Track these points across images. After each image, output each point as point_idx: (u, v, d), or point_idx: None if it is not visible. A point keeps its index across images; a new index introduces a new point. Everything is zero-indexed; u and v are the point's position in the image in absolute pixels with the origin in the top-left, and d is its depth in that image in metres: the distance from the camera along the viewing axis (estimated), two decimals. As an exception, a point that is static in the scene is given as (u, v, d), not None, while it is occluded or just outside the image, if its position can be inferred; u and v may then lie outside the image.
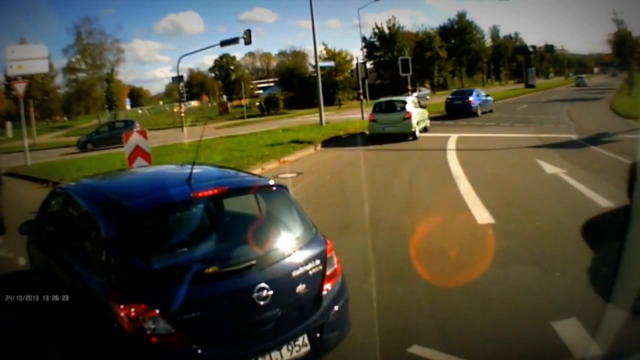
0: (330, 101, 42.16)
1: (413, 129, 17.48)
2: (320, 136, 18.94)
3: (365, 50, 54.56)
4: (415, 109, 18.33)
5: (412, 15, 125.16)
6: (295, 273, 3.38)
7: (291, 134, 20.16)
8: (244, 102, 50.33)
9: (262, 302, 3.15)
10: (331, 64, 43.63)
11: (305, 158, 15.23)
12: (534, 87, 51.16)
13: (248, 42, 29.96)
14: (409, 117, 17.41)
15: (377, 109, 18.57)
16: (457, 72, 65.32)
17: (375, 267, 5.49)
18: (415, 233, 6.93)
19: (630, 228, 5.49)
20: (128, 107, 45.56)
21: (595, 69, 79.91)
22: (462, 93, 27.10)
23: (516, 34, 74.28)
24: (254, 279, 3.19)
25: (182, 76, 39.36)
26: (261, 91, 66.56)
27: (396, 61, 30.76)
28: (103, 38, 49.93)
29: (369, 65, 47.63)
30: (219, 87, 70.69)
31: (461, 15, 63.70)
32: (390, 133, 17.38)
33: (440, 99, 35.42)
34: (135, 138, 9.29)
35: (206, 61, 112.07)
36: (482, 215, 7.47)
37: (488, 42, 69.02)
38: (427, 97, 43.09)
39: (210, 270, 3.15)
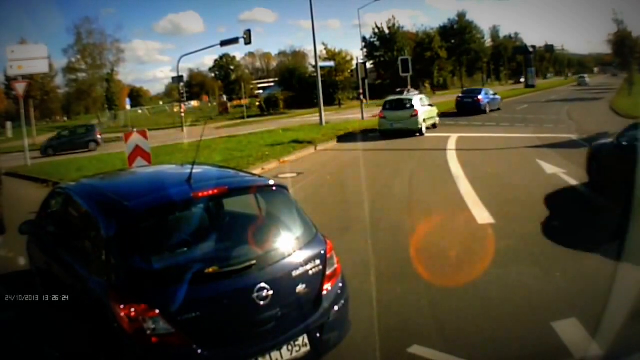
0: (330, 101, 42.21)
1: (419, 126, 18.61)
2: (321, 136, 18.96)
3: (365, 50, 54.63)
4: (423, 107, 19.42)
5: (412, 15, 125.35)
6: (295, 273, 3.38)
7: (291, 134, 20.18)
8: (244, 102, 50.34)
9: (262, 302, 3.15)
10: (331, 64, 43.68)
11: (305, 158, 15.24)
12: (534, 87, 51.16)
13: (248, 42, 30.00)
14: (416, 115, 18.58)
15: (387, 106, 19.72)
16: (457, 72, 65.30)
17: (375, 267, 5.49)
18: (415, 233, 6.93)
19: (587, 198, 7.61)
20: (128, 107, 45.49)
21: (595, 69, 79.78)
22: (471, 92, 28.50)
23: (516, 34, 74.26)
24: (254, 279, 3.19)
25: (182, 76, 39.46)
26: (261, 91, 66.56)
27: (396, 61, 30.83)
28: (103, 38, 50.00)
29: (369, 65, 47.68)
30: (219, 87, 70.68)
31: (461, 15, 63.69)
32: (398, 129, 18.53)
33: (439, 98, 35.42)
34: (135, 138, 9.30)
35: (206, 61, 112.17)
36: (482, 215, 7.47)
37: (488, 42, 69.00)
38: None
39: (210, 270, 3.15)
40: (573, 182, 9.34)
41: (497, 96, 29.00)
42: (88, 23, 52.66)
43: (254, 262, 3.27)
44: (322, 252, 3.61)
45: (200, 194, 3.46)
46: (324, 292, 3.53)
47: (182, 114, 33.94)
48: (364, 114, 27.52)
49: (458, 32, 62.89)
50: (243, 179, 4.21)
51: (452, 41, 61.99)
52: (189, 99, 57.43)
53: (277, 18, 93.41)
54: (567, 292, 4.80)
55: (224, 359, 3.08)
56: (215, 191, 3.50)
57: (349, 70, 49.49)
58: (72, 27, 64.76)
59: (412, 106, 18.89)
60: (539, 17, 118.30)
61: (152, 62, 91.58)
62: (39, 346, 4.14)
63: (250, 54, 77.49)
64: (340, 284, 3.71)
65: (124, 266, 3.12)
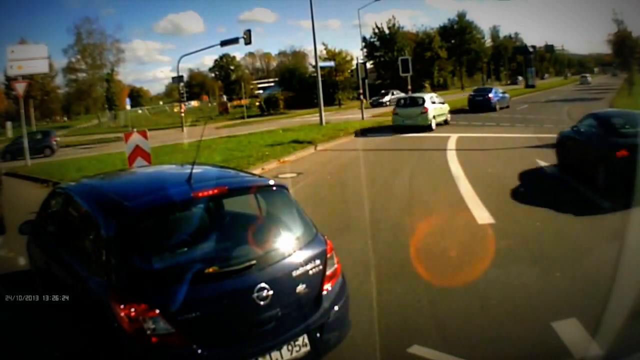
0: (330, 101, 42.23)
1: (429, 122, 20.16)
2: (321, 136, 18.97)
3: (365, 50, 54.63)
4: (433, 104, 20.99)
5: (412, 16, 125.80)
6: (295, 273, 3.38)
7: (291, 134, 20.19)
8: (244, 102, 50.38)
9: (262, 302, 3.15)
10: (331, 64, 43.63)
11: (305, 158, 15.24)
12: (534, 87, 51.15)
13: (248, 42, 29.98)
14: (426, 112, 20.21)
15: (400, 103, 21.65)
16: (457, 72, 65.34)
17: (376, 267, 5.49)
18: (415, 233, 6.93)
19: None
20: (128, 107, 45.48)
21: (595, 69, 79.76)
22: (482, 90, 30.45)
23: (516, 34, 74.45)
24: (254, 279, 3.19)
25: (182, 76, 39.43)
26: (261, 91, 66.58)
27: (396, 61, 30.83)
28: (103, 38, 50.12)
29: (369, 65, 47.64)
30: (219, 87, 70.75)
31: (461, 15, 63.78)
32: (410, 125, 20.09)
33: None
34: (135, 138, 9.30)
35: (206, 61, 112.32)
36: (482, 215, 7.47)
37: (488, 42, 69.10)
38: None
39: (211, 270, 3.15)
40: (574, 181, 9.34)
41: (506, 94, 30.68)
42: (88, 23, 52.87)
43: (254, 262, 3.27)
44: (322, 252, 3.61)
45: (200, 194, 3.46)
46: (324, 292, 3.53)
47: (182, 114, 33.93)
48: (364, 114, 27.54)
49: (458, 32, 62.94)
50: (243, 179, 4.21)
51: (452, 41, 62.05)
52: (189, 99, 57.45)
53: (277, 18, 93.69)
54: (567, 292, 4.80)
55: (224, 359, 3.08)
56: (215, 191, 3.50)
57: (349, 70, 49.44)
58: (72, 27, 65.09)
59: (423, 104, 20.38)
60: (539, 17, 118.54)
61: (152, 62, 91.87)
62: (39, 346, 4.14)
63: (250, 54, 77.67)
64: (340, 284, 3.70)
65: (124, 266, 3.11)
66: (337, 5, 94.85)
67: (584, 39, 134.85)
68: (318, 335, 3.40)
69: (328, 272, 3.59)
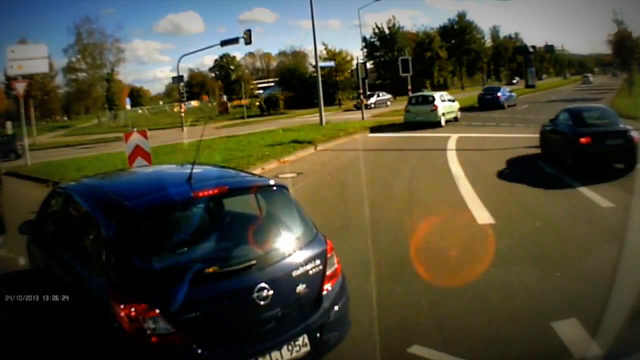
0: (330, 101, 42.24)
1: (438, 119, 21.50)
2: (321, 136, 18.97)
3: (365, 50, 54.65)
4: (442, 102, 22.35)
5: (412, 16, 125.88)
6: (295, 273, 3.38)
7: (291, 134, 20.19)
8: (244, 102, 50.35)
9: (262, 302, 3.15)
10: (331, 64, 43.68)
11: (305, 158, 15.24)
12: (534, 87, 51.15)
13: (248, 42, 29.96)
14: (435, 109, 21.58)
15: (412, 101, 22.83)
16: (457, 72, 65.35)
17: (376, 267, 5.49)
18: (415, 233, 6.93)
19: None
20: (128, 106, 45.48)
21: (595, 69, 79.69)
22: (491, 89, 32.17)
23: (516, 34, 74.43)
24: (254, 279, 3.19)
25: (182, 76, 39.40)
26: (261, 91, 66.59)
27: (396, 61, 30.88)
28: (103, 38, 50.10)
29: (369, 65, 47.65)
30: (219, 87, 70.74)
31: (461, 16, 63.83)
32: (420, 121, 21.32)
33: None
34: (135, 138, 9.30)
35: (206, 61, 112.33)
36: (482, 216, 7.48)
37: (488, 42, 69.11)
38: (388, 102, 42.35)
39: (211, 270, 3.14)
40: (574, 182, 9.34)
41: (513, 93, 32.37)
42: (88, 23, 52.76)
43: (254, 262, 3.26)
44: (322, 252, 3.61)
45: (200, 194, 3.46)
46: (324, 292, 3.53)
47: (182, 114, 33.92)
48: (364, 114, 27.54)
49: (458, 32, 62.97)
50: (243, 179, 4.21)
51: (452, 41, 62.08)
52: (189, 98, 57.44)
53: (277, 18, 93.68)
54: (567, 292, 4.80)
55: (224, 359, 3.08)
56: (216, 191, 3.50)
57: (349, 70, 49.51)
58: (72, 27, 64.97)
59: (433, 102, 21.84)
60: (539, 17, 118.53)
61: (152, 62, 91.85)
62: (39, 346, 4.14)
63: (250, 54, 77.64)
64: (341, 284, 3.70)
65: (124, 266, 3.11)
66: (337, 5, 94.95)
67: (584, 39, 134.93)
68: (318, 335, 3.40)
69: (328, 272, 3.59)
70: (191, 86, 66.86)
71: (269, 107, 46.42)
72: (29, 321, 4.36)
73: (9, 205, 9.18)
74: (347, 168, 13.01)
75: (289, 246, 3.50)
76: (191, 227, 3.54)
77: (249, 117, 42.09)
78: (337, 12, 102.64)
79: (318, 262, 3.53)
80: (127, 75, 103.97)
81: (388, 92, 47.70)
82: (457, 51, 62.21)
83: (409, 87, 28.24)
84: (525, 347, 3.90)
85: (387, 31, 56.73)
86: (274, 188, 3.91)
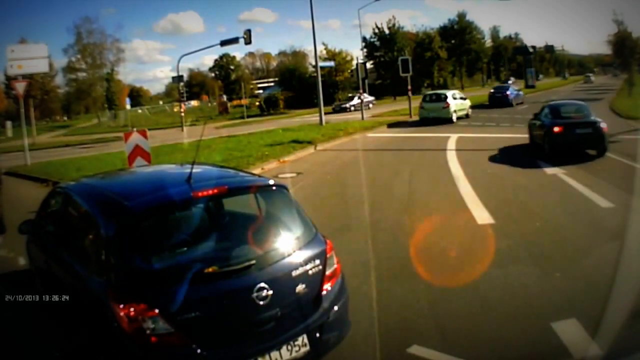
0: (330, 101, 42.05)
1: (450, 116, 23.31)
2: (320, 136, 18.97)
3: (365, 50, 54.56)
4: (454, 100, 24.21)
5: (412, 16, 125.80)
6: (295, 273, 3.38)
7: (291, 134, 20.18)
8: (244, 102, 50.25)
9: (261, 302, 3.15)
10: (331, 64, 43.63)
11: (305, 158, 15.23)
12: (534, 87, 51.13)
13: (248, 42, 29.87)
14: (447, 107, 23.41)
15: (426, 99, 24.84)
16: (457, 72, 65.31)
17: (375, 267, 5.49)
18: (415, 233, 6.93)
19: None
20: (128, 106, 45.38)
21: (595, 70, 79.64)
22: (501, 88, 34.46)
23: (516, 34, 74.50)
24: (254, 278, 3.19)
25: (182, 76, 39.30)
26: (261, 91, 66.57)
27: (396, 61, 30.81)
28: (103, 37, 49.99)
29: (369, 65, 47.61)
30: (219, 86, 70.75)
31: (461, 16, 63.74)
32: (434, 117, 23.15)
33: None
34: (135, 138, 9.30)
35: (206, 61, 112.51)
36: (482, 216, 7.47)
37: (488, 42, 69.05)
38: (370, 105, 40.14)
39: (210, 270, 3.14)
40: (573, 182, 9.35)
41: (521, 92, 34.76)
42: (88, 23, 52.54)
43: (253, 262, 3.26)
44: (322, 252, 3.61)
45: (200, 194, 3.45)
46: (324, 292, 3.53)
47: (182, 114, 33.87)
48: (364, 114, 27.54)
49: (458, 32, 62.92)
50: (243, 179, 4.21)
51: (452, 41, 62.03)
52: (189, 98, 57.42)
53: (277, 18, 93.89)
54: (566, 292, 4.80)
55: (223, 359, 3.08)
56: (215, 191, 3.50)
57: (349, 70, 49.48)
58: (72, 27, 64.76)
59: (445, 99, 23.72)
60: (539, 17, 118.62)
61: (152, 61, 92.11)
62: (39, 346, 4.13)
63: (250, 54, 77.69)
64: (340, 284, 3.70)
65: (124, 266, 3.11)
66: (337, 5, 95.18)
67: (584, 39, 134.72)
68: (317, 335, 3.40)
69: (328, 272, 3.59)
70: (191, 86, 66.89)
71: (269, 107, 46.35)
72: (29, 321, 4.36)
73: (9, 205, 9.17)
74: (347, 168, 13.00)
75: (289, 246, 3.50)
76: (191, 227, 3.54)
77: (248, 117, 42.03)
78: (337, 12, 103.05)
79: (317, 262, 3.53)
80: (127, 75, 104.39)
81: (388, 93, 47.63)
82: (457, 51, 62.17)
83: (409, 87, 28.19)
84: (525, 347, 3.90)
85: (387, 31, 56.66)
86: (274, 188, 3.91)
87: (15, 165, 16.53)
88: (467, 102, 25.87)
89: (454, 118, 23.47)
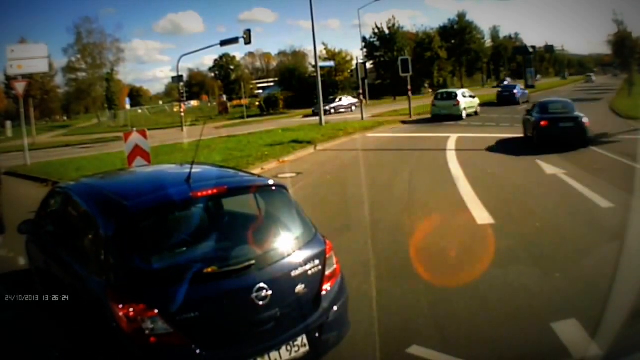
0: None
1: (460, 113, 24.95)
2: (320, 136, 18.96)
3: (365, 50, 54.58)
4: (464, 98, 25.90)
5: (412, 16, 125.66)
6: (294, 273, 3.38)
7: (291, 134, 20.17)
8: (244, 102, 50.20)
9: (261, 302, 3.14)
10: (331, 63, 43.68)
11: (304, 158, 15.23)
12: (534, 87, 51.08)
13: (248, 42, 29.88)
14: (458, 104, 25.10)
15: (437, 97, 26.62)
16: (457, 72, 65.25)
17: (375, 267, 5.49)
18: (415, 233, 6.93)
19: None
20: (128, 106, 45.36)
21: (595, 70, 79.52)
22: (508, 87, 36.49)
23: (516, 34, 74.32)
24: (253, 279, 3.18)
25: (181, 76, 39.29)
26: (261, 91, 66.53)
27: (396, 61, 30.81)
28: (103, 37, 49.92)
29: (368, 65, 47.61)
30: (219, 86, 70.73)
31: (461, 16, 63.65)
32: (445, 114, 24.72)
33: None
34: (134, 137, 9.29)
35: (206, 61, 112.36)
36: (482, 216, 7.47)
37: (488, 42, 68.97)
38: (353, 108, 37.94)
39: (209, 270, 3.14)
40: (573, 182, 9.35)
41: (526, 91, 36.42)
42: (88, 22, 52.54)
43: (253, 262, 3.26)
44: (322, 252, 3.61)
45: (199, 194, 3.45)
46: (323, 292, 3.52)
47: (182, 114, 33.84)
48: (364, 114, 27.54)
49: (458, 33, 62.87)
50: (242, 179, 4.20)
51: (452, 41, 61.98)
52: (189, 98, 57.39)
53: (277, 18, 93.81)
54: (566, 292, 4.80)
55: (222, 359, 3.07)
56: (214, 191, 3.50)
57: (348, 70, 49.52)
58: (72, 27, 64.67)
59: (456, 97, 25.42)
60: (539, 17, 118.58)
61: (152, 61, 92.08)
62: (39, 346, 4.13)
63: (250, 54, 77.60)
64: (340, 284, 3.70)
65: (123, 266, 3.11)
66: (337, 5, 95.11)
67: (584, 39, 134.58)
68: (317, 335, 3.39)
69: (327, 272, 3.59)
70: (191, 86, 66.84)
71: (269, 107, 46.31)
72: (29, 321, 4.36)
73: (9, 205, 9.17)
74: (347, 168, 13.00)
75: (288, 246, 3.50)
76: (190, 227, 3.53)
77: (248, 117, 42.02)
78: (337, 12, 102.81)
79: (317, 262, 3.53)
80: (126, 75, 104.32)
81: (387, 93, 47.56)
82: (456, 51, 62.12)
83: (409, 87, 28.18)
84: (525, 347, 3.90)
85: (387, 31, 56.61)
86: (273, 188, 3.91)
87: (15, 165, 16.53)
88: (476, 100, 27.24)
89: (464, 115, 24.97)
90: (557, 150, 12.82)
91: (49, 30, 71.59)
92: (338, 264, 3.74)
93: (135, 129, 9.83)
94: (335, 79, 48.47)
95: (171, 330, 2.93)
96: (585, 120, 13.78)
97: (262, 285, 3.17)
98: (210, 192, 3.48)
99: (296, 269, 3.40)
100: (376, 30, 56.81)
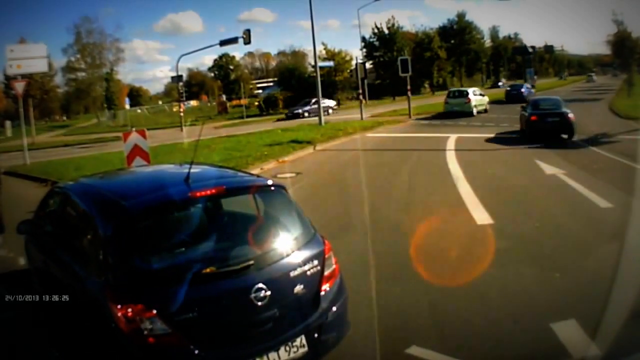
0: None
1: (471, 109, 26.59)
2: (319, 136, 18.95)
3: (364, 50, 54.55)
4: (475, 96, 27.66)
5: (412, 16, 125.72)
6: (293, 273, 3.37)
7: (290, 134, 20.15)
8: (243, 101, 50.14)
9: (259, 303, 3.14)
10: (331, 63, 43.61)
11: (304, 158, 15.21)
12: (534, 87, 51.08)
13: (247, 41, 29.89)
14: (469, 102, 26.79)
15: (450, 95, 28.47)
16: (456, 72, 65.24)
17: (374, 267, 5.47)
18: (414, 233, 6.91)
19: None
20: (127, 106, 45.36)
21: (595, 70, 79.49)
22: (516, 86, 38.82)
23: (516, 34, 74.20)
24: (252, 279, 3.18)
25: (181, 76, 39.24)
26: (260, 91, 66.44)
27: (396, 61, 30.85)
28: (103, 37, 49.83)
29: (368, 65, 47.50)
30: (218, 86, 70.64)
31: (461, 16, 63.66)
32: (457, 111, 26.44)
33: (439, 98, 35.34)
34: (133, 137, 9.28)
35: (205, 61, 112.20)
36: (481, 216, 7.47)
37: (488, 42, 68.98)
38: (330, 110, 37.29)
39: (208, 270, 3.13)
40: (573, 182, 9.35)
41: (532, 89, 38.50)
42: (88, 22, 52.37)
43: (251, 262, 3.26)
44: (321, 252, 3.60)
45: (198, 194, 3.45)
46: (322, 293, 3.52)
47: (181, 114, 33.81)
48: (363, 114, 27.54)
49: (457, 33, 62.89)
50: (241, 179, 4.20)
51: (452, 41, 61.98)
52: (188, 98, 57.30)
53: (277, 18, 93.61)
54: (566, 293, 4.80)
55: (221, 360, 3.07)
56: (213, 191, 3.49)
57: (348, 70, 49.43)
58: (72, 27, 64.23)
59: (467, 95, 27.17)
60: (539, 17, 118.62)
61: (151, 61, 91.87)
62: (39, 346, 4.12)
63: (250, 54, 77.47)
64: (339, 285, 3.69)
65: (122, 266, 3.10)
66: (336, 5, 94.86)
67: (583, 39, 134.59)
68: (316, 335, 3.39)
69: (326, 273, 3.58)
70: (190, 86, 66.74)
71: (268, 106, 46.27)
72: (28, 321, 4.35)
73: (8, 205, 9.15)
74: (346, 168, 12.99)
75: (287, 246, 3.50)
76: (189, 227, 3.52)
77: (248, 116, 42.00)
78: (337, 12, 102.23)
79: (316, 262, 3.52)
80: (126, 74, 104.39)
81: (387, 93, 47.45)
82: (456, 51, 62.12)
83: (409, 87, 28.18)
84: (524, 348, 3.90)
85: (386, 31, 56.57)
86: (272, 188, 3.90)
87: (14, 164, 16.50)
88: (486, 98, 28.98)
89: (475, 112, 26.59)
90: (546, 142, 14.51)
91: (49, 30, 71.56)
92: (337, 264, 3.74)
93: (134, 128, 9.82)
94: (335, 79, 48.39)
95: (170, 331, 2.92)
96: (570, 115, 15.51)
97: (261, 285, 3.16)
98: (209, 192, 3.47)
99: (295, 269, 3.39)
100: (376, 30, 56.80)
